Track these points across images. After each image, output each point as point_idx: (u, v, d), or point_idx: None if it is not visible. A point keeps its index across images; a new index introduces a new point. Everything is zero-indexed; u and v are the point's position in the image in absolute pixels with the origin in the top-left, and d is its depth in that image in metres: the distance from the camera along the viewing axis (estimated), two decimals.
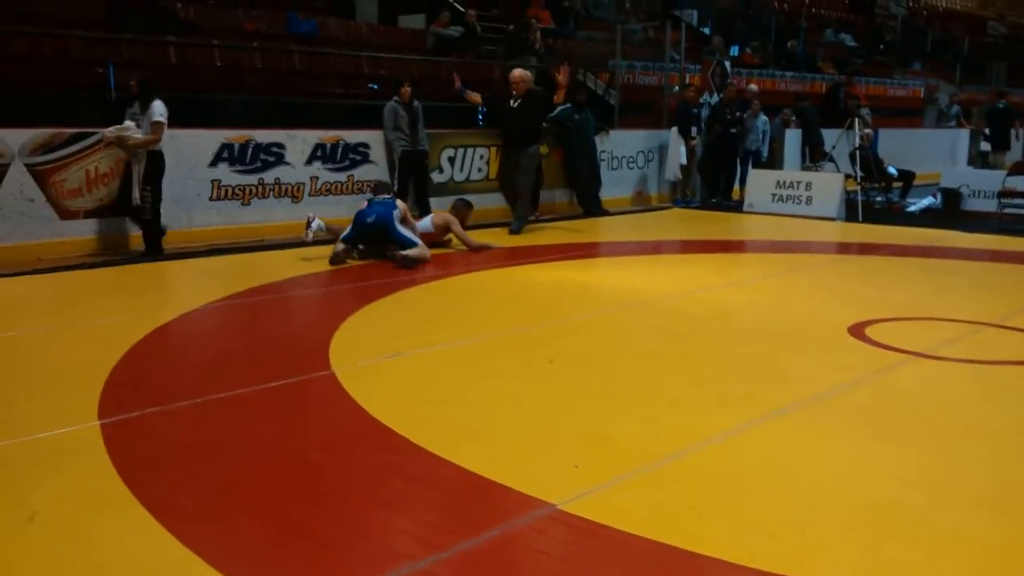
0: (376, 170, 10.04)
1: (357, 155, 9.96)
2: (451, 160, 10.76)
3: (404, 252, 7.75)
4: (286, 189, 9.46)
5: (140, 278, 7.51)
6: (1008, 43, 27.79)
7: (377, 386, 4.49)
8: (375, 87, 11.85)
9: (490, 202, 10.78)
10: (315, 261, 7.90)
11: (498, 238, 9.33)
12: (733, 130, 13.06)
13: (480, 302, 6.74)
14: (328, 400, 4.29)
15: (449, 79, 10.45)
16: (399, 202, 8.26)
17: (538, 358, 5.06)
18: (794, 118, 14.70)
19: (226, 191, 9.07)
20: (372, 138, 10.06)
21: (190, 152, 8.81)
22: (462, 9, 14.38)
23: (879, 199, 12.87)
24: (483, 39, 14.03)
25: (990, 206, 11.40)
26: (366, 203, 8.14)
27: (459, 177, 10.81)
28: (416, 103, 9.99)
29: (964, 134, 18.96)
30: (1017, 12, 34.44)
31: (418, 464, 3.51)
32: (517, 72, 10.04)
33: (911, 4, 27.37)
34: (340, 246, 7.86)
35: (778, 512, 3.14)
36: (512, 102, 9.83)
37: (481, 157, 11.07)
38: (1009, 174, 11.62)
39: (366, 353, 5.09)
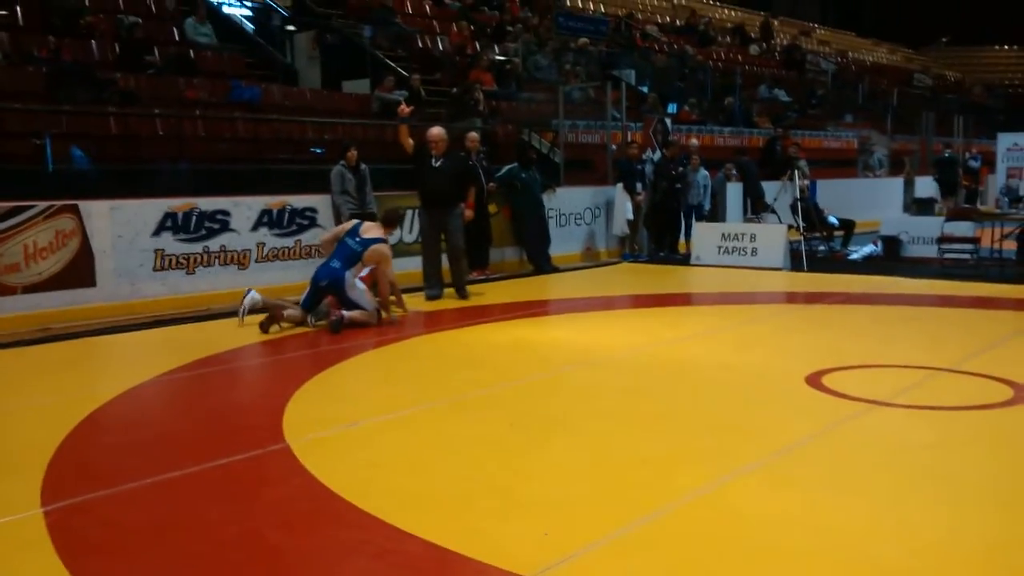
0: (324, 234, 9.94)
1: (304, 219, 9.86)
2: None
3: (336, 317, 7.52)
4: (232, 256, 9.30)
5: (83, 353, 7.26)
6: (934, 94, 28.91)
7: (335, 458, 4.35)
8: (320, 152, 11.81)
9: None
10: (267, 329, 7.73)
11: (418, 303, 9.13)
12: (678, 185, 13.26)
13: (436, 365, 6.62)
14: (284, 475, 4.13)
15: (395, 140, 10.42)
16: (369, 253, 7.85)
17: (498, 422, 4.96)
18: (735, 171, 14.99)
19: (170, 260, 8.88)
20: (319, 202, 9.98)
21: (132, 222, 8.63)
22: (406, 74, 14.49)
23: (821, 248, 13.11)
24: (427, 102, 14.11)
25: (930, 251, 11.68)
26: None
27: (408, 238, 10.75)
28: (363, 166, 9.97)
29: (898, 182, 19.54)
30: (940, 65, 35.97)
31: (382, 539, 3.37)
32: (436, 131, 9.50)
33: (840, 60, 28.35)
34: (289, 311, 7.70)
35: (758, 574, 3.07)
36: (433, 161, 9.32)
37: None
38: (947, 220, 11.94)
39: (321, 423, 4.94)
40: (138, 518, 3.65)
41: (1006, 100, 33.16)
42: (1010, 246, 11.11)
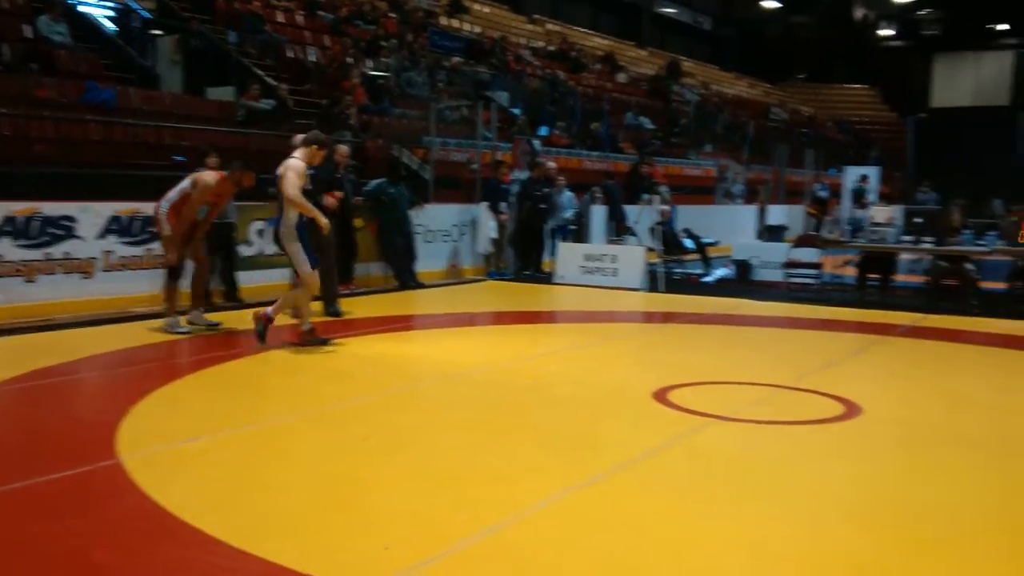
0: None
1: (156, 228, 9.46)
2: (260, 233, 10.44)
3: (260, 323, 7.30)
4: (76, 264, 8.84)
5: None
6: (788, 127, 30.48)
7: (170, 475, 4.18)
8: (181, 159, 11.40)
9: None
10: (120, 337, 7.38)
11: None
12: (542, 205, 13.49)
13: (291, 379, 6.48)
14: (114, 492, 3.94)
15: (260, 149, 10.21)
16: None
17: (352, 436, 4.90)
18: (599, 195, 15.36)
19: (9, 268, 8.36)
20: None
21: None
22: (274, 83, 14.20)
23: (678, 270, 13.57)
24: (296, 113, 13.87)
25: (778, 276, 12.27)
26: None
27: (270, 250, 10.49)
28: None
29: (753, 210, 20.48)
30: (797, 101, 37.99)
31: (217, 559, 3.26)
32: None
33: (703, 91, 29.54)
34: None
35: None
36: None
37: None
38: (794, 246, 12.57)
39: (160, 438, 4.74)
40: None
41: (854, 135, 35.35)
42: (851, 272, 11.80)
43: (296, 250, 7.22)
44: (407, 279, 11.82)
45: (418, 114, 15.62)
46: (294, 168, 7.11)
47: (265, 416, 5.29)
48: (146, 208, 9.35)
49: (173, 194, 7.96)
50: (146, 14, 15.25)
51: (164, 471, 4.22)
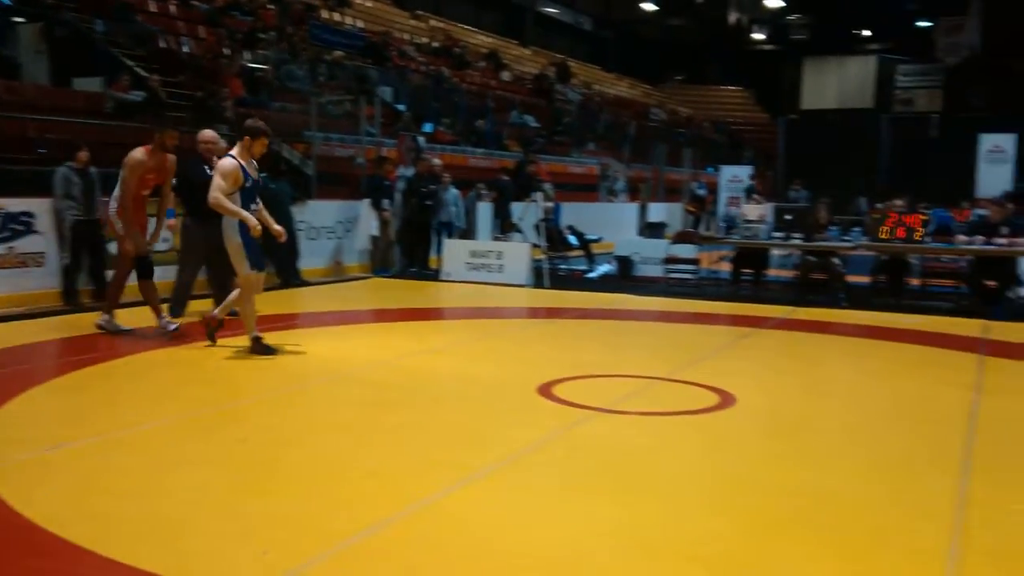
0: (42, 241, 9.12)
1: (19, 225, 8.98)
2: None
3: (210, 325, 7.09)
4: None
5: None
6: (667, 127, 31.31)
7: (35, 484, 3.98)
8: (44, 151, 10.83)
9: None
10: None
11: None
12: (428, 202, 13.44)
13: (166, 382, 6.25)
14: None
15: (134, 142, 9.69)
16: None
17: (230, 439, 4.77)
18: (485, 191, 15.42)
19: None
20: (38, 206, 9.13)
21: None
22: (145, 74, 13.65)
23: (563, 267, 13.77)
24: (168, 105, 13.38)
25: (658, 271, 12.60)
26: None
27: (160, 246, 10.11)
28: (92, 170, 9.24)
29: (635, 207, 20.96)
30: (675, 101, 39.07)
31: (86, 570, 3.13)
32: (211, 132, 8.71)
33: (585, 91, 30.03)
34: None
35: None
36: (208, 169, 8.29)
37: (167, 227, 10.42)
38: (672, 243, 12.94)
39: (22, 446, 4.50)
40: None
41: (729, 135, 36.63)
42: (726, 267, 12.22)
43: (235, 250, 6.82)
44: (290, 276, 11.58)
45: (299, 108, 15.31)
46: (220, 169, 6.73)
47: (137, 420, 5.08)
48: (9, 204, 8.87)
49: (117, 191, 7.53)
50: (7, 1, 14.41)
51: (27, 480, 4.01)
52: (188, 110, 13.47)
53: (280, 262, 11.61)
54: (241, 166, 6.72)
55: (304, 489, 4.01)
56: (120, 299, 7.92)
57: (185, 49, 15.89)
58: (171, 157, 7.71)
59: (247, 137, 6.82)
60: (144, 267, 7.70)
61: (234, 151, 6.83)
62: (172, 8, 17.17)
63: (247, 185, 6.77)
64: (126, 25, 14.96)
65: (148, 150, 7.51)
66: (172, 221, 8.83)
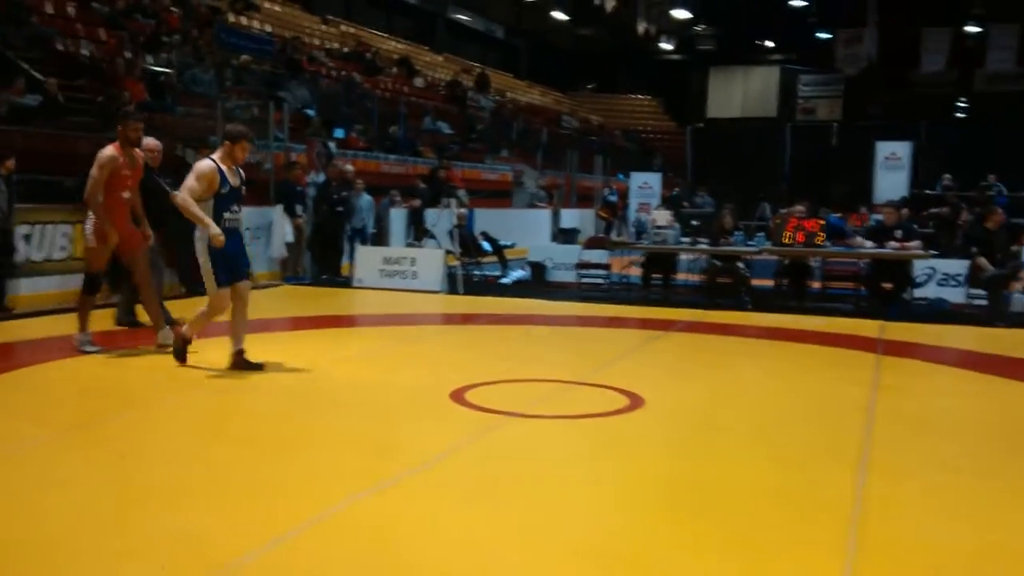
0: None
1: None
2: (27, 238, 9.65)
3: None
4: None
5: None
6: (579, 135, 31.69)
7: None
8: None
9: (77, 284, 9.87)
10: None
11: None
12: (340, 208, 13.29)
13: (48, 396, 5.95)
14: None
15: (28, 147, 9.36)
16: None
17: (111, 455, 4.59)
18: (398, 198, 15.32)
19: None
20: None
21: None
22: (41, 77, 13.14)
23: (476, 273, 13.78)
24: (67, 109, 12.90)
25: (571, 276, 12.72)
26: None
27: (37, 256, 9.73)
28: (15, 177, 8.86)
29: (546, 213, 21.13)
30: (586, 109, 39.58)
31: None
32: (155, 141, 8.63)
33: (498, 98, 30.16)
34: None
35: None
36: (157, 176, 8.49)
37: (64, 235, 10.09)
38: (584, 248, 13.08)
39: None
40: None
41: (639, 143, 37.30)
42: (636, 272, 12.42)
43: (203, 266, 6.53)
44: (195, 285, 11.27)
45: (204, 113, 14.95)
46: (196, 170, 6.41)
47: (12, 437, 4.86)
48: None
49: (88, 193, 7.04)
50: None
51: None
52: (90, 115, 13.02)
53: (185, 271, 11.30)
54: (220, 170, 6.43)
55: (198, 504, 3.89)
56: (160, 308, 7.64)
57: (85, 52, 15.35)
58: (139, 152, 7.28)
59: (227, 141, 6.55)
60: (93, 283, 7.30)
61: (215, 155, 6.56)
62: (70, 10, 16.58)
63: (223, 191, 6.45)
64: (20, 27, 14.38)
65: (117, 147, 7.03)
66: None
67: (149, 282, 7.56)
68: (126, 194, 7.18)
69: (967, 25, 31.54)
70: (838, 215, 15.13)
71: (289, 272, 13.21)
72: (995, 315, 9.81)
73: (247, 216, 12.91)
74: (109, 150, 7.03)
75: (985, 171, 19.91)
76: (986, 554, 3.53)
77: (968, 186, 19.02)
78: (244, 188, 6.80)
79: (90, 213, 7.11)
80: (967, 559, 3.50)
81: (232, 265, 6.63)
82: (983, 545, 3.63)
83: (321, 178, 13.89)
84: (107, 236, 7.06)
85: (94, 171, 6.98)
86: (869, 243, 10.72)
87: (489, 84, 30.36)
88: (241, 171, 6.75)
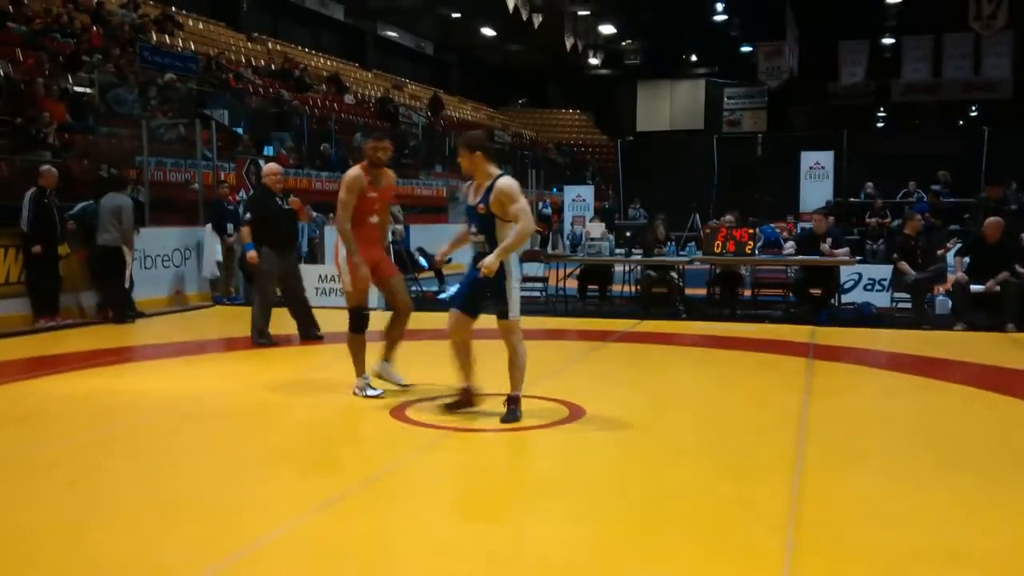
0: None
1: None
2: None
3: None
4: None
5: None
6: (512, 150, 31.84)
7: None
8: None
9: (6, 309, 9.76)
10: None
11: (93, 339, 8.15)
12: None
13: None
14: None
15: None
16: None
17: (55, 482, 4.45)
18: (332, 215, 15.18)
19: None
20: None
21: None
22: None
23: (414, 288, 13.70)
24: None
25: None
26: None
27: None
28: None
29: None
30: (518, 124, 39.80)
31: None
32: (277, 166, 9.41)
33: (430, 114, 30.15)
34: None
35: None
36: (280, 201, 8.98)
37: None
38: (521, 261, 13.09)
39: None
40: None
41: (572, 157, 37.64)
42: (572, 284, 12.49)
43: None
44: (124, 309, 10.98)
45: (129, 133, 14.63)
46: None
47: None
48: None
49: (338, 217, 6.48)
50: None
51: None
52: (7, 137, 12.64)
53: (109, 294, 11.00)
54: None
55: (145, 529, 3.79)
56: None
57: (0, 73, 14.89)
58: (390, 172, 6.68)
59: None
60: (359, 320, 6.83)
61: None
62: None
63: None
64: None
65: (363, 166, 6.40)
66: (252, 253, 8.90)
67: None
68: (373, 219, 6.61)
69: (883, 38, 32.62)
70: (772, 226, 15.45)
71: (220, 292, 12.96)
72: (920, 318, 10.12)
73: (176, 237, 12.72)
74: (355, 170, 6.37)
75: (906, 178, 20.59)
76: (918, 555, 3.60)
77: (890, 193, 19.65)
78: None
79: (339, 243, 6.41)
80: (900, 559, 3.56)
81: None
82: (915, 546, 3.70)
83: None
84: (358, 273, 6.43)
85: (342, 193, 6.31)
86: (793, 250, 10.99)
87: (443, 106, 30.38)
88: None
